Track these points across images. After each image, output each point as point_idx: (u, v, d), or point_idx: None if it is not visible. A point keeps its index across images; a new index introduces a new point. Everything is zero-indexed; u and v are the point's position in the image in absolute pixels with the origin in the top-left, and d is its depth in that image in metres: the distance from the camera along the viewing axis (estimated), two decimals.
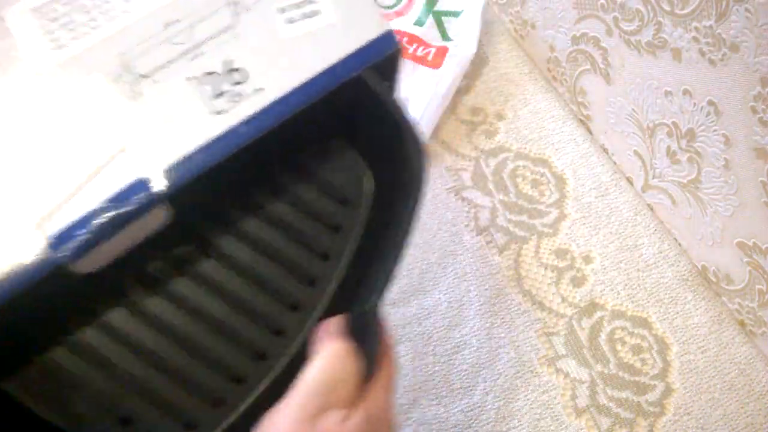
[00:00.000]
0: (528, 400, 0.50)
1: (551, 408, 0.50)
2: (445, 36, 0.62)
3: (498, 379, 0.50)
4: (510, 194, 0.59)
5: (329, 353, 0.31)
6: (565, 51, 0.61)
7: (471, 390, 0.50)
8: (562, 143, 0.61)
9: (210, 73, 0.33)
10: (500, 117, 0.63)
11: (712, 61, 0.47)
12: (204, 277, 0.39)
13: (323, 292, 0.39)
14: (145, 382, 0.37)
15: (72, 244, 0.30)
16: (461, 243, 0.56)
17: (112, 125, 0.32)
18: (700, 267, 0.56)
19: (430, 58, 0.61)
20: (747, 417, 0.50)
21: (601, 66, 0.58)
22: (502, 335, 0.53)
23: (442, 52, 0.61)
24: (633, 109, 0.56)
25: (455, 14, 0.63)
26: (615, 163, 0.61)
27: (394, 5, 0.64)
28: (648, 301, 0.54)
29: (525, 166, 0.60)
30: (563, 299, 0.54)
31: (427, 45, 0.61)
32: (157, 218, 0.32)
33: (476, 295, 0.54)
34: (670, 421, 0.50)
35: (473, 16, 0.63)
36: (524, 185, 0.59)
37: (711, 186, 0.52)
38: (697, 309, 0.55)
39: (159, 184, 0.31)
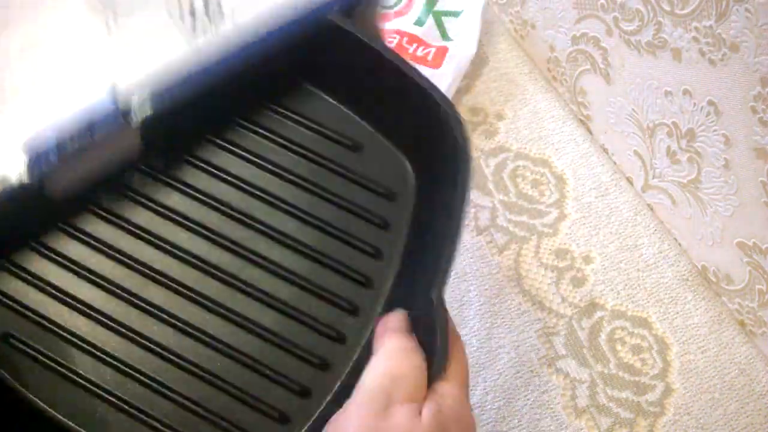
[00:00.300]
0: (528, 400, 0.50)
1: (551, 408, 0.50)
2: (445, 36, 0.62)
3: (498, 379, 0.51)
4: (510, 194, 0.59)
5: (388, 349, 0.30)
6: (565, 51, 0.61)
7: (471, 390, 0.50)
8: (562, 143, 0.61)
9: (186, 5, 0.33)
10: (500, 117, 0.63)
11: (712, 61, 0.47)
12: (252, 287, 0.38)
13: (381, 291, 0.38)
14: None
15: (48, 163, 0.30)
16: (461, 243, 0.56)
17: (91, 55, 0.32)
18: (700, 267, 0.56)
19: (430, 58, 0.61)
20: (747, 417, 0.50)
21: (601, 66, 0.58)
22: (502, 335, 0.53)
23: (442, 52, 0.61)
24: (633, 109, 0.56)
25: (455, 14, 0.63)
26: (615, 163, 0.61)
27: (394, 5, 0.64)
28: (648, 301, 0.54)
29: (525, 166, 0.60)
30: (563, 299, 0.54)
31: (427, 45, 0.61)
32: (130, 145, 0.32)
33: (476, 295, 0.54)
34: (670, 421, 0.50)
35: (473, 16, 0.63)
36: (524, 185, 0.59)
37: (711, 186, 0.52)
38: (697, 309, 0.55)
39: (135, 112, 0.31)
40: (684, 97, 0.51)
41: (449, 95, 0.61)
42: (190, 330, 0.37)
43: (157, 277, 0.38)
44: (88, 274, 0.38)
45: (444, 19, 0.63)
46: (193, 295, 0.38)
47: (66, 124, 0.31)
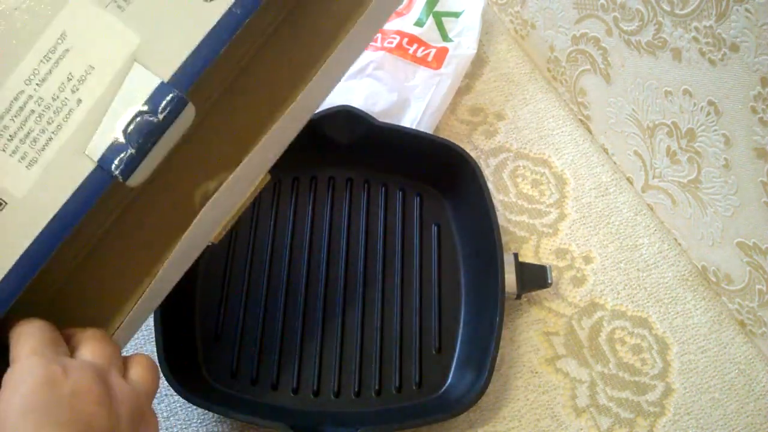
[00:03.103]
0: (528, 400, 0.50)
1: (551, 408, 0.50)
2: (445, 37, 0.62)
3: (498, 379, 0.50)
4: (510, 194, 0.59)
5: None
6: (565, 51, 0.61)
7: None
8: (562, 143, 0.61)
9: None
10: (500, 117, 0.63)
11: (712, 61, 0.47)
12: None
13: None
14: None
15: (120, 161, 0.31)
16: None
17: (113, 43, 0.32)
18: (700, 267, 0.56)
19: (430, 58, 0.61)
20: (747, 417, 0.50)
21: (601, 66, 0.58)
22: (503, 335, 0.52)
23: (442, 52, 0.61)
24: (633, 109, 0.56)
25: (455, 15, 0.63)
26: (615, 163, 0.61)
27: None
28: (648, 301, 0.55)
29: (525, 166, 0.60)
30: (563, 299, 0.54)
31: (427, 46, 0.61)
32: (187, 120, 0.33)
33: None
34: (670, 421, 0.50)
35: (473, 16, 0.63)
36: (524, 185, 0.59)
37: (711, 186, 0.52)
38: (697, 309, 0.55)
39: (178, 83, 0.32)
40: (684, 97, 0.51)
41: (449, 96, 0.61)
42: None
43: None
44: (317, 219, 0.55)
45: (444, 19, 0.63)
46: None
47: (122, 114, 0.32)
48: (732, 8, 0.44)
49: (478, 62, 0.65)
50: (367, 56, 0.60)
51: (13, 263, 0.31)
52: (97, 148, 0.31)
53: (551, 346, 0.52)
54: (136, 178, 0.32)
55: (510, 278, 0.50)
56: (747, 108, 0.46)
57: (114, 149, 0.31)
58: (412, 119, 0.58)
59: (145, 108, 0.31)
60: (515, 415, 0.50)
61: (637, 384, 0.51)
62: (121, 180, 0.31)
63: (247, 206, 0.40)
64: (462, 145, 0.55)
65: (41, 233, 0.31)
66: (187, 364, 0.48)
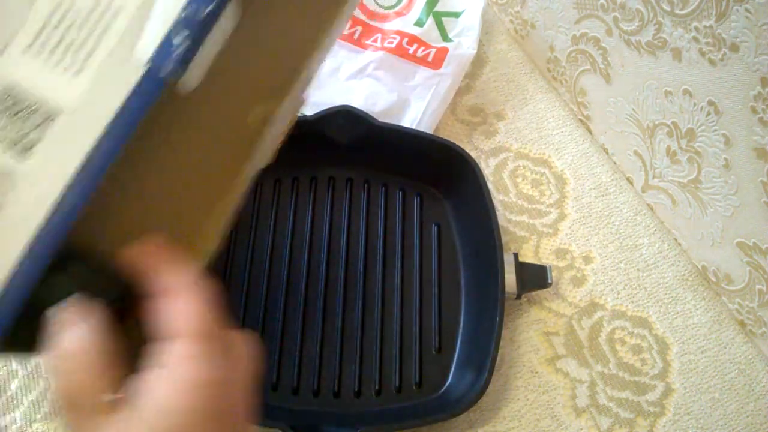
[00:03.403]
0: (528, 400, 0.50)
1: (551, 408, 0.50)
2: (445, 37, 0.62)
3: (498, 379, 0.51)
4: (510, 194, 0.59)
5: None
6: (565, 51, 0.61)
7: None
8: (562, 143, 0.61)
9: None
10: (500, 117, 0.63)
11: (712, 61, 0.47)
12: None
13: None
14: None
15: (172, 58, 0.29)
16: None
17: None
18: (700, 267, 0.56)
19: (430, 58, 0.61)
20: (747, 417, 0.50)
21: (601, 66, 0.58)
22: (503, 335, 0.52)
23: (442, 52, 0.61)
24: (633, 109, 0.56)
25: (455, 15, 0.63)
26: (615, 163, 0.61)
27: (394, 5, 0.64)
28: (648, 301, 0.55)
29: (525, 166, 0.60)
30: (563, 299, 0.54)
31: (427, 46, 0.61)
32: (233, 16, 0.31)
33: None
34: (670, 421, 0.50)
35: (473, 16, 0.63)
36: (524, 185, 0.59)
37: (711, 186, 0.52)
38: (697, 309, 0.55)
39: None
40: (684, 97, 0.51)
41: (449, 95, 0.61)
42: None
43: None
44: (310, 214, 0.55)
45: (444, 19, 0.63)
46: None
47: (168, 8, 0.31)
48: (732, 8, 0.44)
49: (478, 62, 0.65)
50: (367, 56, 0.60)
51: (76, 169, 0.29)
52: (146, 51, 0.30)
53: (551, 346, 0.52)
54: (189, 80, 0.30)
55: (510, 278, 0.51)
56: (747, 108, 0.46)
57: (163, 50, 0.29)
58: (412, 119, 0.58)
59: (190, 4, 0.30)
60: (515, 415, 0.50)
61: (637, 384, 0.51)
62: (173, 81, 0.29)
63: (288, 132, 0.39)
64: (462, 145, 0.55)
65: (99, 141, 0.29)
66: None
